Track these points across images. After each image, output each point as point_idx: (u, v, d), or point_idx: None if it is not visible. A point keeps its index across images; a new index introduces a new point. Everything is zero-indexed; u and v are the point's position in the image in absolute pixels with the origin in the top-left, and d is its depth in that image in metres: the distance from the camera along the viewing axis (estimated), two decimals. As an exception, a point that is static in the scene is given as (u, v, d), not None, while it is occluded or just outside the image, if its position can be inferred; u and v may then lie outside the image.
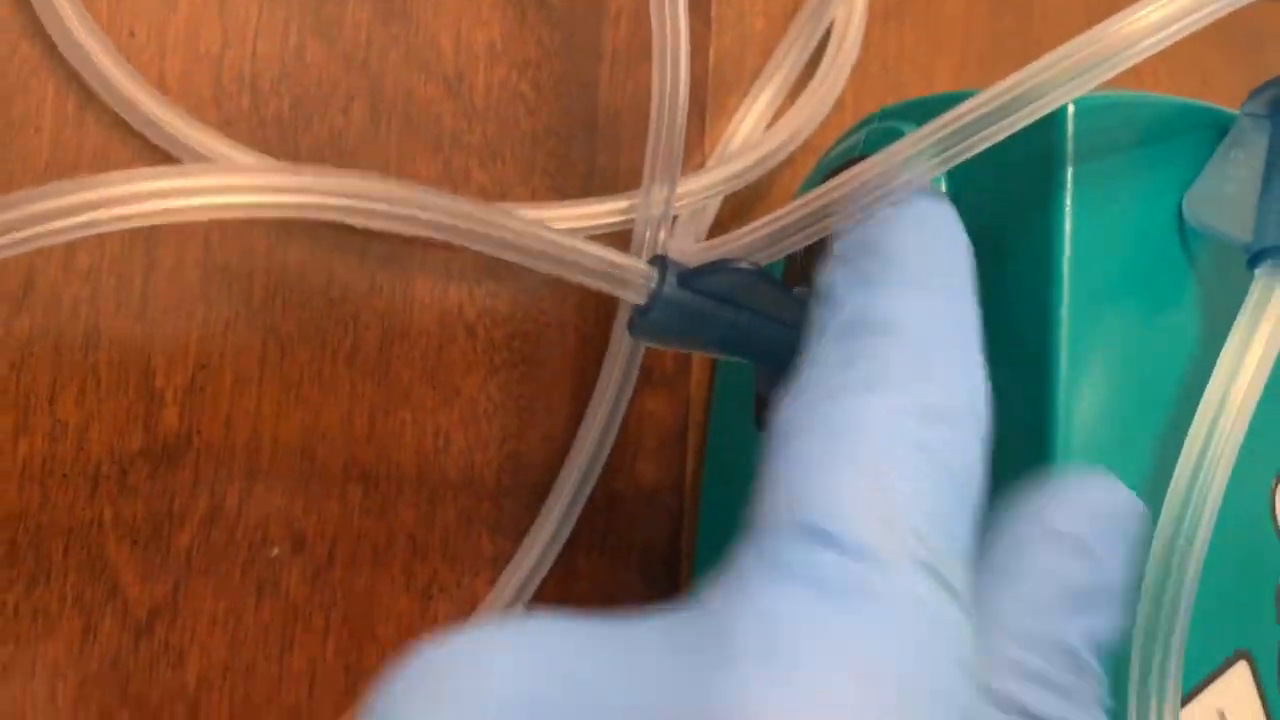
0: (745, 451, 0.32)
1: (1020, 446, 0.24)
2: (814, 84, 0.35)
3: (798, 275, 0.30)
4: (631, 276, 0.26)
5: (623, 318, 0.31)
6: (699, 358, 0.36)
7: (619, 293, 0.27)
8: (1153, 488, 0.25)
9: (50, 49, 0.28)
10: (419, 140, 0.32)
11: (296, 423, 0.30)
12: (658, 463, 0.35)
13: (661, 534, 0.36)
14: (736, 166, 0.33)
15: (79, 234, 0.20)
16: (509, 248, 0.25)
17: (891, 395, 0.19)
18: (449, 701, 0.15)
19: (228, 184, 0.22)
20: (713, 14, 0.37)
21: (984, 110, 0.22)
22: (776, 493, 0.18)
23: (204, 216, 0.22)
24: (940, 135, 0.22)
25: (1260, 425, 0.27)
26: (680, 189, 0.31)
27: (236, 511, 0.29)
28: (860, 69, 0.40)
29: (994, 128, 0.22)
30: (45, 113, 0.28)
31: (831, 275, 0.21)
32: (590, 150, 0.34)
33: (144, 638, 0.29)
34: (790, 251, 0.26)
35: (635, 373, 0.31)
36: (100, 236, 0.28)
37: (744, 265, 0.26)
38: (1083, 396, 0.24)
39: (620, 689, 0.15)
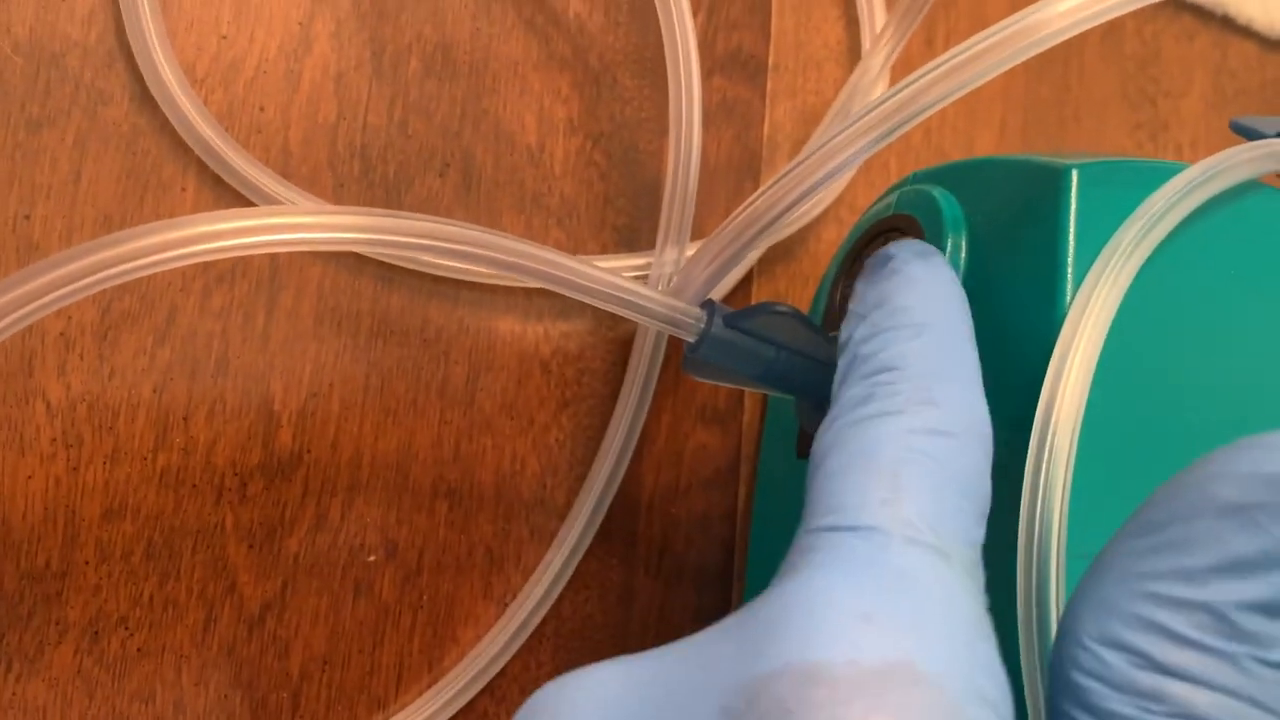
0: (790, 481, 0.35)
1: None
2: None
3: (835, 321, 0.34)
4: (684, 318, 0.30)
5: (639, 348, 0.36)
6: (751, 396, 0.40)
7: (673, 332, 0.30)
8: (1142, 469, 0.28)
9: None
10: (505, 201, 0.36)
11: (393, 445, 0.34)
12: (711, 493, 0.39)
13: (715, 559, 0.39)
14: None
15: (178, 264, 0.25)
16: (584, 291, 0.29)
17: (901, 420, 0.22)
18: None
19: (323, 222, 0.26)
20: (768, 89, 0.41)
21: (898, 104, 0.26)
22: (812, 504, 0.22)
23: (296, 249, 0.26)
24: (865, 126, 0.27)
25: None
26: (693, 251, 0.36)
27: (339, 521, 0.34)
28: (904, 137, 0.44)
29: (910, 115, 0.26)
30: (190, 177, 0.33)
31: (850, 329, 0.26)
32: (654, 210, 0.38)
33: (256, 629, 0.33)
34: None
35: (649, 398, 0.36)
36: (231, 281, 0.33)
37: (782, 308, 0.30)
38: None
39: (685, 679, 0.19)
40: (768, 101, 0.41)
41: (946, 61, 0.27)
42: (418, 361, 0.35)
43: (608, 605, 0.37)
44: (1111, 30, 0.49)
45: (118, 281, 0.24)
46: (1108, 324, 0.27)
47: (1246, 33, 0.52)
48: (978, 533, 0.22)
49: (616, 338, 0.38)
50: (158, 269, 0.24)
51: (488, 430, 0.36)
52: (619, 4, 0.39)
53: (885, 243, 0.34)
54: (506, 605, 0.35)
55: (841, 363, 0.25)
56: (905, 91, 0.27)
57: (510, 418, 0.36)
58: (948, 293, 0.26)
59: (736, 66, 0.41)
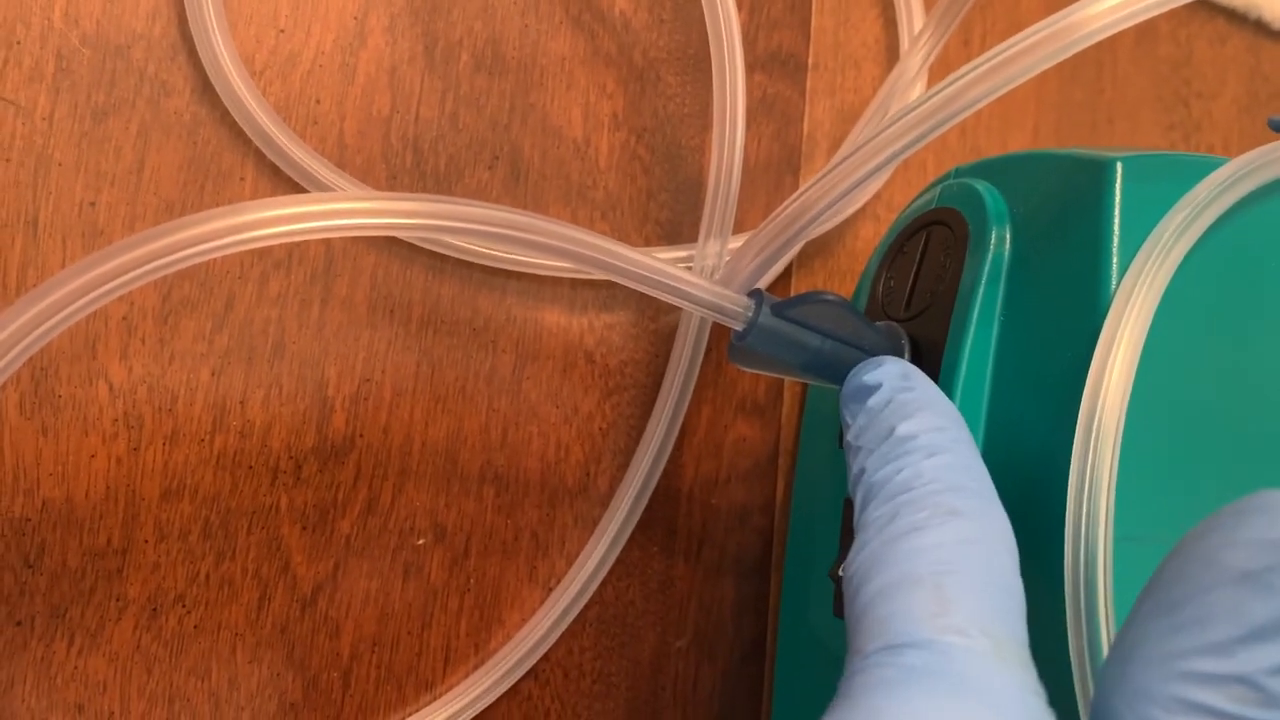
0: (830, 471, 0.36)
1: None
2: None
3: (877, 312, 0.35)
4: (732, 306, 0.31)
5: (682, 338, 0.37)
6: (790, 389, 0.40)
7: (721, 320, 0.31)
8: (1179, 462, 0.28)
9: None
10: (551, 194, 0.37)
11: (442, 431, 0.35)
12: (750, 484, 0.40)
13: (753, 549, 0.40)
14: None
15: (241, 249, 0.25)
16: (635, 278, 0.29)
17: (931, 534, 0.23)
18: None
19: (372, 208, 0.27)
20: (808, 87, 0.42)
21: (932, 107, 0.27)
22: (862, 628, 0.22)
23: (354, 234, 0.26)
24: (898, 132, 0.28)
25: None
26: (734, 244, 0.36)
27: (390, 504, 0.34)
28: (939, 137, 0.44)
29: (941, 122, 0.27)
30: (249, 166, 0.34)
31: (858, 462, 0.26)
32: (696, 205, 0.39)
33: (308, 610, 0.33)
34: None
35: (691, 387, 0.37)
36: (287, 268, 0.34)
37: (829, 296, 0.30)
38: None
39: None
40: (807, 99, 0.42)
41: (985, 62, 0.27)
42: (467, 350, 0.36)
43: (649, 592, 0.38)
44: (1145, 34, 0.49)
45: (181, 266, 0.25)
46: (1152, 312, 0.27)
47: None
48: (1022, 630, 0.23)
49: (659, 329, 0.38)
50: (219, 254, 0.25)
51: (533, 418, 0.36)
52: (663, 2, 0.39)
53: (927, 239, 0.34)
54: (551, 590, 0.36)
55: (858, 494, 0.26)
56: (946, 91, 0.27)
57: (555, 406, 0.37)
58: (945, 411, 0.27)
59: (777, 64, 0.41)
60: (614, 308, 0.38)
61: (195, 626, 0.32)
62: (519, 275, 0.36)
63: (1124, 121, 0.48)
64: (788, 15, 0.42)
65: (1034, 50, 0.27)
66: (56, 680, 0.31)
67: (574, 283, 0.37)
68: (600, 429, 0.37)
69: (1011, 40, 0.27)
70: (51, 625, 0.31)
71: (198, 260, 0.25)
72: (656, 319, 0.38)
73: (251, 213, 0.26)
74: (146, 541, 0.32)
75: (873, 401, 0.27)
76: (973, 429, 0.30)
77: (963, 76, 0.27)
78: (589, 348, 0.37)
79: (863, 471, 0.26)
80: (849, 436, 0.27)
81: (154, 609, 0.32)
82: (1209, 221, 0.29)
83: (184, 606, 0.32)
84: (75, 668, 0.31)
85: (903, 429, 0.26)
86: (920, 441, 0.25)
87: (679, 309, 0.38)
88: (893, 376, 0.28)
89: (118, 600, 0.31)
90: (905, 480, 0.25)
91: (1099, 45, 0.48)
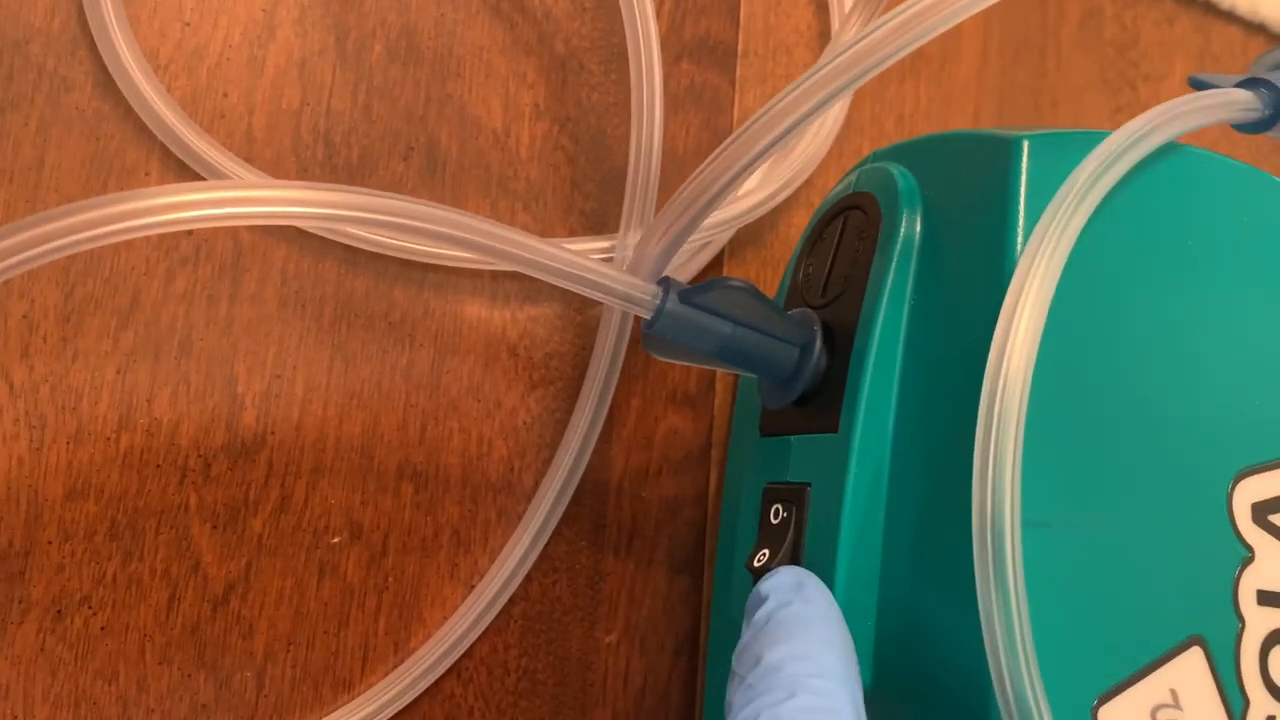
0: (753, 463, 0.35)
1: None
2: (796, 152, 0.39)
3: (798, 298, 0.34)
4: (640, 295, 0.30)
5: (604, 329, 0.36)
6: (722, 380, 0.40)
7: (631, 309, 0.30)
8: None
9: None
10: (470, 186, 0.37)
11: (357, 427, 0.34)
12: (682, 476, 0.39)
13: (685, 542, 0.39)
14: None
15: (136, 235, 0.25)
16: (536, 267, 0.29)
17: None
18: None
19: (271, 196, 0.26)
20: (737, 75, 0.41)
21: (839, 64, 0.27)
22: None
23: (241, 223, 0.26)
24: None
25: (1218, 429, 0.30)
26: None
27: (303, 502, 0.34)
28: (876, 123, 0.44)
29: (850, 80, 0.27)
30: (154, 161, 0.33)
31: (730, 692, 0.25)
32: (622, 195, 0.39)
33: (220, 609, 0.33)
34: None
35: (615, 379, 0.36)
36: (194, 264, 0.33)
37: (735, 282, 0.30)
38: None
39: None
40: (737, 87, 0.41)
41: (894, 17, 0.26)
42: (382, 345, 0.35)
43: (576, 588, 0.37)
44: (1090, 16, 0.49)
45: (78, 249, 0.24)
46: (1053, 286, 0.26)
47: (1229, 17, 0.52)
48: None
49: (584, 321, 0.38)
50: (113, 240, 0.24)
51: (454, 413, 0.36)
52: (586, -10, 0.39)
53: (844, 224, 0.34)
54: (473, 587, 0.35)
55: None
56: (845, 56, 0.27)
57: (477, 401, 0.36)
58: (818, 634, 0.26)
59: (705, 52, 0.41)
60: (538, 300, 0.37)
61: (102, 628, 0.32)
62: (436, 268, 0.36)
63: (1068, 105, 0.48)
64: (715, 2, 0.41)
65: (935, 8, 0.26)
66: (-44, 685, 0.30)
67: (495, 274, 0.37)
68: (524, 423, 0.37)
69: None
70: (-49, 629, 0.30)
71: (94, 244, 0.24)
72: (583, 311, 0.38)
73: (148, 199, 0.25)
74: (50, 542, 0.31)
75: (758, 616, 0.27)
76: (883, 414, 0.30)
77: (871, 33, 0.26)
78: (512, 341, 0.37)
79: (730, 707, 0.25)
80: (733, 656, 0.27)
81: (58, 611, 0.31)
82: (1107, 187, 0.28)
83: (90, 608, 0.32)
84: (-24, 672, 0.30)
85: (769, 658, 0.25)
86: (784, 675, 0.24)
87: (605, 300, 0.37)
88: (780, 589, 0.27)
89: (20, 603, 0.31)
90: None
91: (1043, 29, 0.48)
